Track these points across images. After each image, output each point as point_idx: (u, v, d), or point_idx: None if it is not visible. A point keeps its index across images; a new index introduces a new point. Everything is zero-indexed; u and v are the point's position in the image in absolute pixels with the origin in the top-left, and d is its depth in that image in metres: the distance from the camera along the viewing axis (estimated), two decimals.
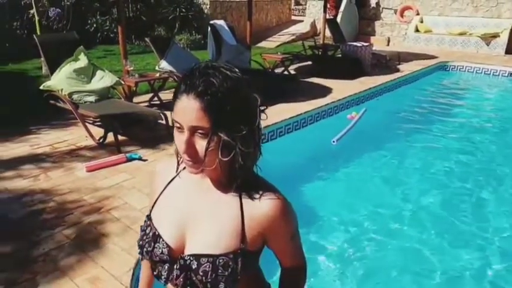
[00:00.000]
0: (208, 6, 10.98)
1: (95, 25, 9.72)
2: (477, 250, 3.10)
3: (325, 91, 6.34)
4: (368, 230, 3.31)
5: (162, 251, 0.97)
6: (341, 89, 6.50)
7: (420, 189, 4.04)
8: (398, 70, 8.29)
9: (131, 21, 9.73)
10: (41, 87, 4.29)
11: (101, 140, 4.03)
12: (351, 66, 7.67)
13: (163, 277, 0.99)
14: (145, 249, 1.00)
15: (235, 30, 7.09)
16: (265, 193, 0.96)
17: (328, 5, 11.08)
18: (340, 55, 8.65)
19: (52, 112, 4.57)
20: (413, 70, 8.37)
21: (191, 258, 0.94)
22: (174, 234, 0.98)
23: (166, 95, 5.64)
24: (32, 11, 7.23)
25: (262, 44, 11.07)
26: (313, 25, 13.16)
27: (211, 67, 0.87)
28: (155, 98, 5.40)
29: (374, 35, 13.08)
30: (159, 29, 10.38)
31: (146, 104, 5.27)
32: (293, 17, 14.45)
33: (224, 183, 0.97)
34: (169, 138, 4.11)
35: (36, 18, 6.54)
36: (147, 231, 1.02)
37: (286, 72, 7.25)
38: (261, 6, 12.68)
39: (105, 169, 3.51)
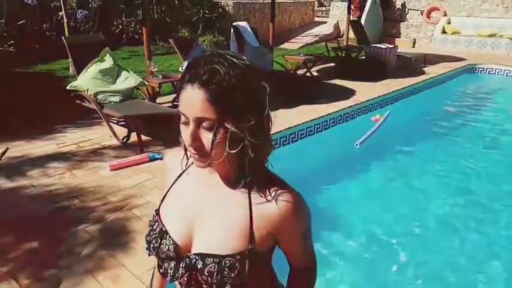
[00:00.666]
0: (231, 8, 11.03)
1: (120, 26, 9.91)
2: (506, 258, 2.99)
3: (348, 93, 6.26)
4: (391, 235, 3.24)
5: (169, 247, 0.94)
6: (365, 91, 6.40)
7: (445, 195, 3.93)
8: (423, 72, 8.10)
9: (155, 22, 9.87)
10: (68, 87, 4.39)
11: (124, 140, 4.09)
12: (375, 68, 7.55)
13: (168, 275, 0.95)
14: (152, 245, 0.97)
15: (258, 31, 7.09)
16: (276, 190, 0.90)
17: (352, 6, 10.95)
18: (364, 57, 8.53)
19: (78, 111, 4.67)
20: (440, 73, 8.15)
21: (196, 257, 0.90)
22: (181, 231, 0.94)
23: None
24: (60, 13, 7.44)
25: (285, 45, 11.04)
26: (336, 26, 13.04)
27: (217, 55, 0.83)
28: (178, 99, 5.44)
29: (399, 37, 12.84)
30: (183, 30, 10.49)
31: (169, 104, 5.32)
32: (316, 19, 14.34)
33: (233, 179, 0.92)
34: None
35: (65, 20, 6.72)
36: (154, 227, 0.98)
37: (308, 74, 7.20)
38: (284, 7, 12.64)
39: (128, 168, 3.56)
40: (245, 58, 0.85)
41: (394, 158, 4.61)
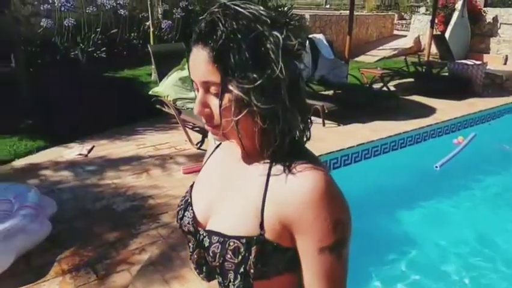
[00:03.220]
0: (307, 20, 11.03)
1: None
2: None
3: (428, 111, 5.88)
4: (469, 265, 2.94)
5: (189, 220, 0.87)
6: (446, 110, 5.97)
7: None
8: None
9: None
10: (150, 93, 4.67)
11: (198, 145, 4.23)
12: (459, 86, 7.02)
13: (189, 252, 0.86)
14: (178, 216, 0.90)
15: (334, 43, 6.99)
16: (300, 167, 0.72)
17: (436, 20, 10.35)
18: (447, 73, 7.99)
19: (158, 115, 4.93)
20: None
21: (205, 234, 0.81)
22: (203, 204, 0.87)
23: None
24: (148, 23, 7.98)
25: (361, 58, 10.74)
26: (417, 40, 12.42)
27: (222, 6, 0.70)
28: None
29: (488, 53, 11.85)
30: None
31: None
32: (395, 32, 13.80)
33: (255, 153, 0.79)
34: None
35: (151, 29, 7.20)
36: (184, 198, 0.93)
37: (385, 89, 6.90)
38: (362, 20, 12.35)
39: None
40: (257, 7, 0.71)
41: (476, 184, 4.21)
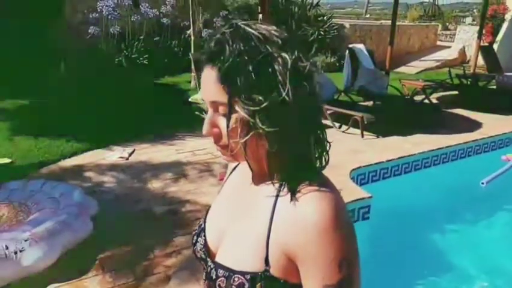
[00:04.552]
0: (347, 30, 10.92)
1: None
2: None
3: (473, 125, 5.63)
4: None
5: (201, 247, 0.85)
6: (494, 124, 5.69)
7: None
8: None
9: None
10: (190, 99, 4.76)
11: None
12: (508, 100, 6.68)
13: (202, 279, 0.83)
14: (192, 242, 0.88)
15: (374, 54, 6.87)
16: (306, 196, 0.68)
17: (484, 31, 9.95)
18: (494, 86, 7.64)
19: (196, 121, 5.02)
20: None
21: (212, 265, 0.79)
22: (215, 232, 0.84)
23: None
24: (189, 32, 8.19)
25: (402, 69, 10.48)
26: (462, 52, 11.98)
27: (233, 26, 0.69)
28: None
29: None
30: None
31: None
32: (439, 42, 13.38)
33: (265, 177, 0.76)
34: None
35: (192, 38, 7.38)
36: (199, 222, 0.90)
37: (427, 101, 6.69)
38: (404, 30, 12.08)
39: None
40: (270, 27, 0.69)
41: None
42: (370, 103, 6.19)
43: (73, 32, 7.71)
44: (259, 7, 5.46)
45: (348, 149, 4.47)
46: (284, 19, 10.96)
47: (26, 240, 2.19)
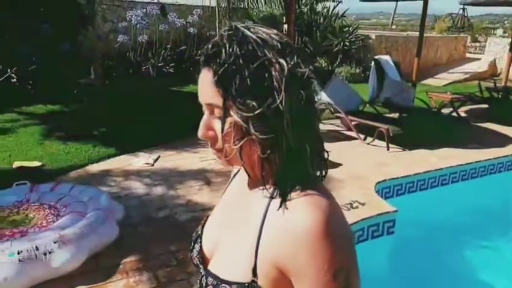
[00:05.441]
0: (373, 41, 10.84)
1: None
2: None
3: (504, 140, 5.45)
4: None
5: (197, 253, 0.84)
6: None
7: None
8: None
9: None
10: None
11: None
12: None
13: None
14: (190, 248, 0.87)
15: (400, 65, 6.78)
16: (298, 203, 0.66)
17: None
18: None
19: None
20: None
21: (204, 273, 0.78)
22: (210, 238, 0.83)
23: (321, 126, 5.69)
24: None
25: (428, 81, 10.30)
26: (492, 64, 11.68)
27: (232, 28, 0.68)
28: None
29: None
30: (320, 60, 10.68)
31: None
32: (468, 55, 13.09)
33: (259, 184, 0.73)
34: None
35: None
36: (197, 229, 0.89)
37: (455, 114, 6.53)
38: (431, 42, 11.89)
39: None
40: (270, 30, 0.68)
41: None
42: (396, 115, 6.09)
43: (103, 40, 7.96)
44: (284, 17, 5.49)
45: (373, 162, 4.41)
46: (309, 30, 11.00)
47: (55, 242, 2.25)
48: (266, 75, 0.64)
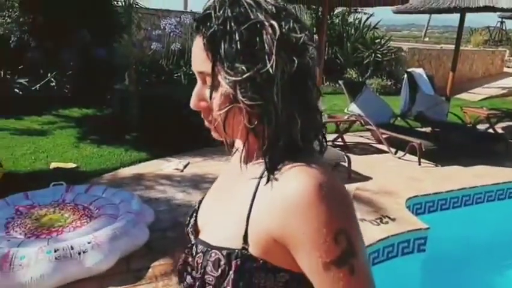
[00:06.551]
0: (405, 53, 10.67)
1: None
2: None
3: None
4: None
5: (190, 227, 0.82)
6: None
7: None
8: None
9: (325, 63, 10.24)
10: None
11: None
12: None
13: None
14: (185, 223, 0.86)
15: (433, 79, 6.63)
16: (288, 169, 0.63)
17: None
18: None
19: None
20: None
21: (195, 242, 0.76)
22: (204, 212, 0.82)
23: (351, 138, 5.68)
24: None
25: (463, 95, 10.01)
26: None
27: None
28: (339, 139, 5.44)
29: None
30: (351, 72, 10.60)
31: (329, 144, 5.36)
32: (506, 69, 12.67)
33: (251, 157, 0.73)
34: (348, 181, 4.04)
35: None
36: (194, 205, 0.89)
37: (491, 130, 6.31)
38: (467, 55, 11.58)
39: None
40: None
41: None
42: (428, 129, 5.95)
43: (137, 48, 8.19)
44: (315, 28, 5.50)
45: (404, 176, 4.31)
46: (340, 40, 10.95)
47: (89, 243, 2.32)
48: (257, 38, 0.61)
